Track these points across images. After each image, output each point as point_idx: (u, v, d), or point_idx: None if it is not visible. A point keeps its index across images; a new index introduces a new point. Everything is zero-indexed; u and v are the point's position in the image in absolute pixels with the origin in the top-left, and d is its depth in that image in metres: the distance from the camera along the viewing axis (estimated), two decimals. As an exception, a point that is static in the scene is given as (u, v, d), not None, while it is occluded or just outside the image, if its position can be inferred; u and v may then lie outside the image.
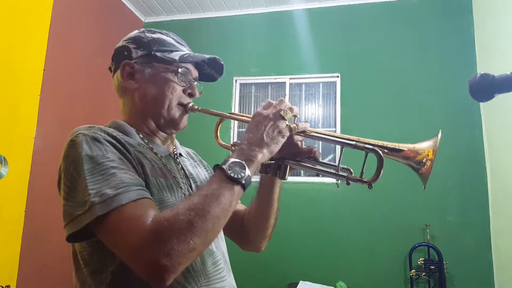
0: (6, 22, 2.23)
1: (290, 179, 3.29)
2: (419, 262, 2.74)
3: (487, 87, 0.65)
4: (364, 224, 2.99)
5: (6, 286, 2.11)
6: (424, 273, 2.69)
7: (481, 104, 2.87)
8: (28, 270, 2.29)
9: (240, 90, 3.61)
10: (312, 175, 3.33)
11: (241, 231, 1.02)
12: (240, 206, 1.04)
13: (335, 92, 3.37)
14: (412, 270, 2.72)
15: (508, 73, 0.64)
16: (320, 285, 2.65)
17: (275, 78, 3.50)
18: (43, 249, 2.39)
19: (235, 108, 3.54)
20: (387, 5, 3.30)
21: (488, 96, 0.66)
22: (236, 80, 3.58)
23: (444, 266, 2.68)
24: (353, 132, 1.06)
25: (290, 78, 3.47)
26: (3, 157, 2.16)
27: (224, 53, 3.53)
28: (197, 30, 3.69)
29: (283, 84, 3.49)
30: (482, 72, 0.66)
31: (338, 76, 3.34)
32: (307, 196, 3.17)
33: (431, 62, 3.12)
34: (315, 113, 3.47)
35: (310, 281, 2.75)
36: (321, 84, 3.47)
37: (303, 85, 3.52)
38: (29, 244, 2.31)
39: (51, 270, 2.44)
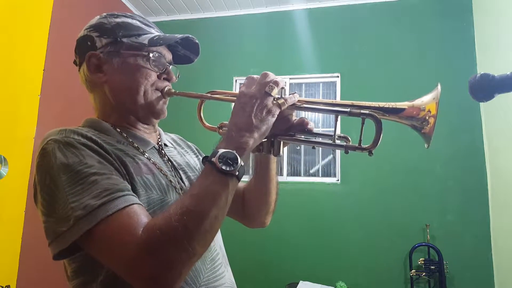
0: (6, 22, 2.23)
1: (290, 179, 3.26)
2: (419, 262, 2.74)
3: (487, 87, 0.65)
4: (364, 224, 2.99)
5: (6, 286, 2.11)
6: (424, 273, 2.69)
7: (481, 104, 2.87)
8: (28, 270, 2.29)
9: (240, 90, 3.60)
10: (312, 175, 3.33)
11: (243, 210, 0.96)
12: (239, 184, 0.99)
13: (335, 92, 3.37)
14: (412, 270, 2.72)
15: (508, 73, 0.64)
16: (320, 285, 2.65)
17: (275, 78, 3.49)
18: (43, 249, 2.38)
19: (235, 108, 3.54)
20: (387, 5, 3.30)
21: (488, 96, 0.66)
22: (236, 80, 3.58)
23: (444, 266, 2.68)
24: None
25: (290, 78, 3.47)
26: (3, 157, 2.16)
27: (224, 53, 3.54)
28: (197, 30, 3.68)
29: (283, 84, 3.49)
30: (482, 72, 0.66)
31: (338, 76, 3.34)
32: (307, 196, 3.17)
33: (431, 62, 3.12)
34: (315, 113, 3.47)
35: (310, 281, 2.75)
36: (321, 84, 3.47)
37: (303, 85, 3.52)
38: (29, 244, 2.30)
39: (51, 270, 2.43)
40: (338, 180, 3.18)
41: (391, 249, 2.91)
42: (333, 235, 3.04)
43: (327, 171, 3.31)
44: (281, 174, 3.31)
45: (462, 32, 3.10)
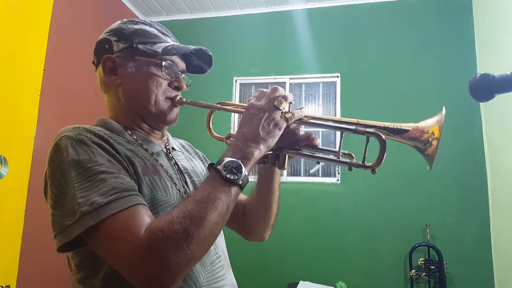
0: (6, 22, 2.23)
1: (290, 179, 3.25)
2: (419, 262, 2.74)
3: (487, 87, 0.65)
4: (364, 224, 2.99)
5: (6, 286, 2.11)
6: (424, 273, 2.69)
7: (481, 104, 2.87)
8: (28, 270, 2.29)
9: (240, 90, 3.61)
10: (312, 175, 3.33)
11: (243, 222, 0.98)
12: (241, 196, 0.98)
13: (335, 92, 3.37)
14: (412, 270, 2.72)
15: (508, 73, 0.64)
16: (320, 285, 2.65)
17: (275, 78, 3.50)
18: (43, 249, 2.39)
19: (235, 108, 3.54)
20: (387, 5, 3.30)
21: (488, 96, 0.66)
22: (236, 80, 3.58)
23: (444, 266, 2.68)
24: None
25: (290, 78, 3.47)
26: (3, 157, 2.16)
27: (224, 53, 3.53)
28: (197, 30, 3.69)
29: (283, 84, 3.49)
30: (482, 72, 0.66)
31: (338, 76, 3.34)
32: (307, 196, 3.17)
33: (431, 62, 3.12)
34: (315, 113, 3.47)
35: (310, 281, 2.75)
36: (321, 84, 3.47)
37: (303, 85, 3.52)
38: (29, 244, 2.30)
39: (51, 270, 2.44)
40: (338, 180, 3.18)
41: (391, 249, 2.91)
42: (333, 235, 3.04)
43: (327, 171, 3.31)
44: (281, 174, 3.30)
45: (462, 32, 3.10)
